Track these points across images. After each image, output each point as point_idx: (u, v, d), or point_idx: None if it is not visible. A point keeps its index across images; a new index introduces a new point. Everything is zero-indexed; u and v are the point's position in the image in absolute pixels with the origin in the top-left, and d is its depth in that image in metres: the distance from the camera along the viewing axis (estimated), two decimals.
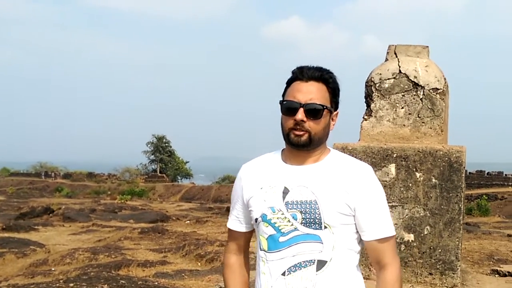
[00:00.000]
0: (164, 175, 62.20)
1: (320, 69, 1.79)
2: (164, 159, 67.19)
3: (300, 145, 1.74)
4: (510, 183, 40.13)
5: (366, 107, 4.39)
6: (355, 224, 1.76)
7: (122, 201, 32.04)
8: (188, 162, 72.07)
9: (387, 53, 4.35)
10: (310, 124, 1.73)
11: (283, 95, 1.83)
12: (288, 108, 1.75)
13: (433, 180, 3.88)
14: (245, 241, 1.97)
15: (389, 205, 3.99)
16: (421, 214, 3.97)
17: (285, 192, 1.76)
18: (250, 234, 1.96)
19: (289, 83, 1.82)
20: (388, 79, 4.12)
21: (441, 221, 3.87)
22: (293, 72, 1.81)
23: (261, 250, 1.81)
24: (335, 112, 1.83)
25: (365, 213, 1.75)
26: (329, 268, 1.71)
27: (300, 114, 1.72)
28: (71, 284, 6.65)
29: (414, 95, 4.09)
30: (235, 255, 1.96)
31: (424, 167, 3.89)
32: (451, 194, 3.88)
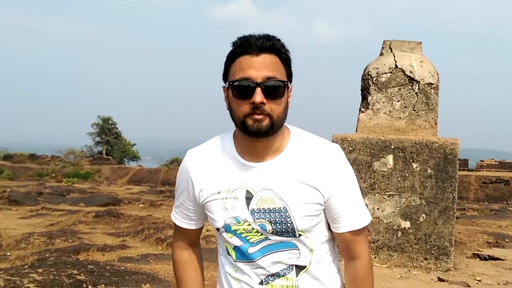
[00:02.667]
0: (110, 157, 60.88)
1: (269, 38, 1.44)
2: (110, 141, 65.73)
3: (262, 133, 1.43)
4: None
5: (362, 100, 4.47)
6: (325, 215, 1.56)
7: (69, 183, 31.11)
8: (135, 144, 70.81)
9: (382, 47, 4.43)
10: (271, 106, 1.42)
11: (226, 75, 1.50)
12: (241, 90, 1.42)
13: (429, 170, 4.01)
14: (196, 235, 1.74)
15: (386, 194, 4.13)
16: (417, 203, 4.11)
17: (248, 197, 1.50)
18: (202, 227, 1.73)
19: (232, 58, 1.46)
20: (385, 73, 4.21)
21: (436, 209, 4.03)
22: (236, 45, 1.46)
23: (228, 255, 1.59)
24: (290, 87, 1.50)
25: (339, 204, 1.52)
26: (309, 270, 1.54)
27: (259, 96, 1.39)
28: (40, 270, 6.48)
29: (410, 89, 4.20)
30: (186, 251, 1.73)
31: (420, 158, 4.01)
32: (445, 184, 4.03)
